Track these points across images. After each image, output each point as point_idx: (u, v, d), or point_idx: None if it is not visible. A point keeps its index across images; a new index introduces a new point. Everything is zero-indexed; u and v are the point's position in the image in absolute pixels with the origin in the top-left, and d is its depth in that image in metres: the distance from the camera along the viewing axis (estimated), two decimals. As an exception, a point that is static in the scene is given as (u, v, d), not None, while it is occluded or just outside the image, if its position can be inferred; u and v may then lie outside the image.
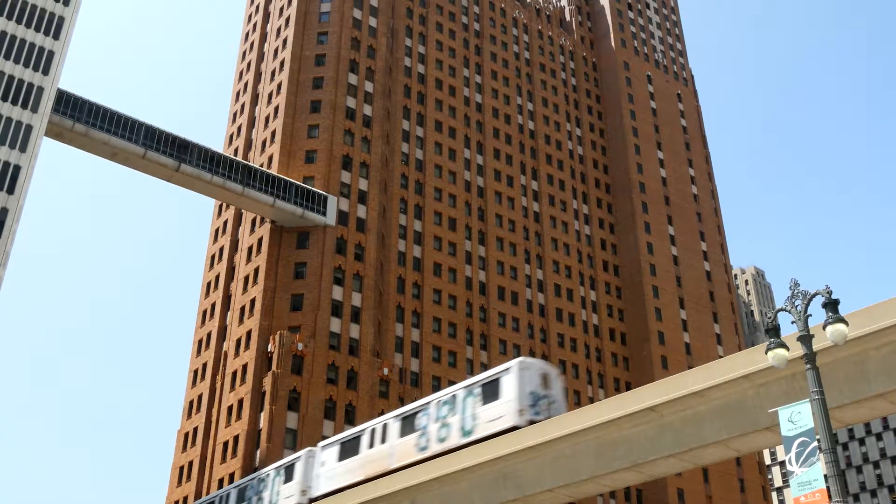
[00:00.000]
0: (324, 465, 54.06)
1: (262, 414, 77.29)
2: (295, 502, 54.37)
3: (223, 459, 79.39)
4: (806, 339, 20.58)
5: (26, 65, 76.37)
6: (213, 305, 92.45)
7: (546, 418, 42.74)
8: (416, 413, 49.14)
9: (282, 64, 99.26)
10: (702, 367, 34.95)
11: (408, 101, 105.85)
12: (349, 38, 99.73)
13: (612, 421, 36.62)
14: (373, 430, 51.80)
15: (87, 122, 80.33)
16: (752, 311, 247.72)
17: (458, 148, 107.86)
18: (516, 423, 42.87)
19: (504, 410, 43.67)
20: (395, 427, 50.18)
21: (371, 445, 51.36)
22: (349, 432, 54.39)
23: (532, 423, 42.35)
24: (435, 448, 46.78)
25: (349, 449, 53.00)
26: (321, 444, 56.30)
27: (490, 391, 44.92)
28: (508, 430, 43.06)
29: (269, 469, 58.71)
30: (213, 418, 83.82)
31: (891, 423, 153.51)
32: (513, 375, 44.01)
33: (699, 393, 33.81)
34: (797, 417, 20.11)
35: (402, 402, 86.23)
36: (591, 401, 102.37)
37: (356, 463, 51.55)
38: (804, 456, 19.62)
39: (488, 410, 44.44)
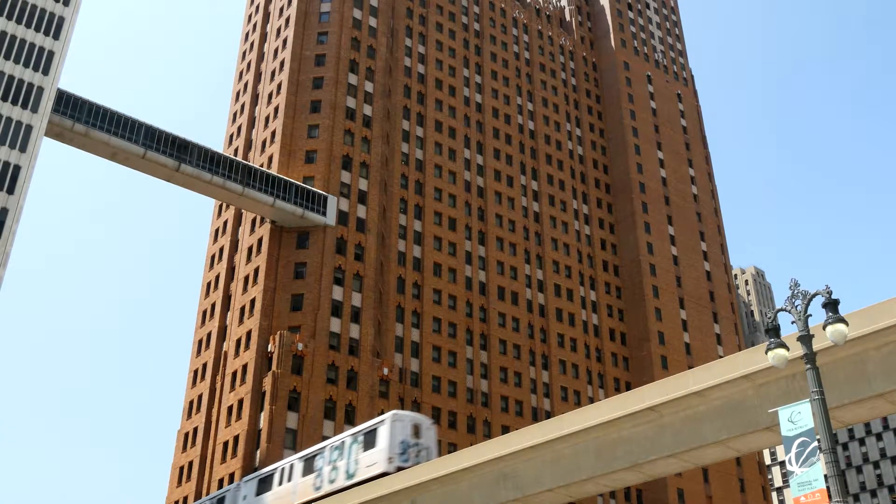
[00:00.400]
0: (245, 498, 60.14)
1: (262, 414, 77.28)
2: None
3: (223, 459, 79.40)
4: (806, 339, 20.57)
5: (26, 65, 76.37)
6: (213, 305, 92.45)
7: (415, 464, 48.05)
8: (315, 456, 55.54)
9: (282, 64, 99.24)
10: (702, 367, 34.94)
11: (408, 101, 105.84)
12: (349, 38, 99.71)
13: (612, 421, 36.62)
14: (282, 469, 58.02)
15: (87, 122, 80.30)
16: (752, 311, 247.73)
17: (458, 148, 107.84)
18: (385, 469, 48.75)
19: (377, 458, 49.82)
20: (299, 467, 56.56)
21: (280, 483, 57.56)
22: (267, 469, 60.73)
23: (400, 469, 47.97)
24: (327, 488, 52.68)
25: (264, 485, 59.21)
26: (245, 478, 62.58)
27: (369, 440, 51.24)
28: (380, 475, 48.54)
29: (205, 500, 65.02)
30: (213, 418, 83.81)
31: (891, 423, 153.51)
32: (386, 427, 50.31)
33: (699, 393, 33.82)
34: (797, 417, 20.11)
35: (402, 403, 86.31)
36: (591, 401, 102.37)
37: (269, 498, 57.61)
38: (804, 456, 19.61)
39: (367, 457, 50.67)
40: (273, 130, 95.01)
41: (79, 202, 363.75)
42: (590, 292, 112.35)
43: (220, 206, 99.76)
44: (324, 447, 55.30)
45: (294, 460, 57.60)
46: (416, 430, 50.75)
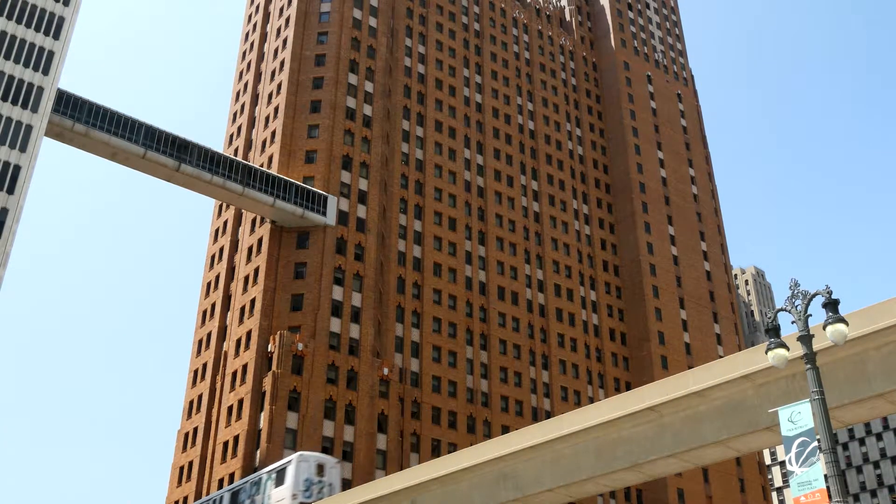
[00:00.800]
0: None
1: (262, 414, 77.28)
2: None
3: (223, 459, 79.40)
4: (806, 339, 20.55)
5: (26, 65, 76.37)
6: (213, 305, 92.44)
7: (319, 500, 54.80)
8: (240, 490, 62.54)
9: (282, 64, 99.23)
10: (702, 367, 34.95)
11: (408, 101, 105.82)
12: (349, 38, 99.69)
13: (612, 421, 36.64)
14: (213, 501, 65.35)
15: (87, 122, 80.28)
16: (752, 311, 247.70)
17: (458, 148, 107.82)
18: None
19: (284, 494, 56.69)
20: (227, 499, 63.73)
21: None
22: (200, 501, 68.38)
23: None
24: None
25: None
26: None
27: (279, 477, 57.95)
28: None
29: None
30: (213, 418, 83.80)
31: (891, 423, 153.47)
32: (292, 466, 57.25)
33: (699, 393, 33.83)
34: (797, 417, 20.10)
35: (402, 402, 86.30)
36: (591, 401, 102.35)
37: None
38: (804, 456, 19.61)
39: (277, 493, 57.52)
40: (273, 130, 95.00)
41: (79, 202, 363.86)
42: (590, 292, 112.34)
43: (220, 206, 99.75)
44: (247, 481, 62.01)
45: (224, 493, 64.95)
46: (320, 469, 57.53)
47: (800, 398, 28.44)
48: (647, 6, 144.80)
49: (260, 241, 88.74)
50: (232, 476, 76.57)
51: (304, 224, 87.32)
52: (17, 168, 72.42)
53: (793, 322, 21.19)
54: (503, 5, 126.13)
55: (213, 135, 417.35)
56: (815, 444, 19.68)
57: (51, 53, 78.03)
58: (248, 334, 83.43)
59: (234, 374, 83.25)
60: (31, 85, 75.82)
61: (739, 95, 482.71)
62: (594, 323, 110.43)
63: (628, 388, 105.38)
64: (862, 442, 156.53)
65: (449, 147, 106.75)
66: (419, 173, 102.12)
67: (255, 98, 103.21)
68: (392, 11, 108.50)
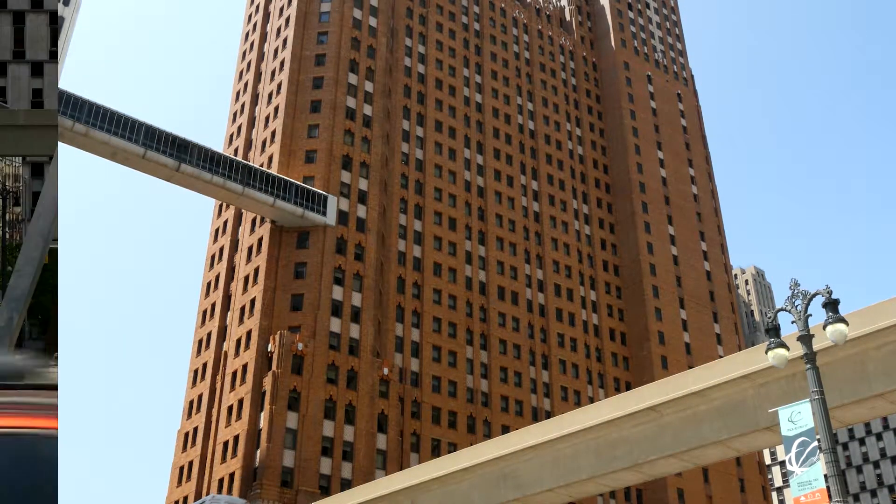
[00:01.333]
0: None
1: (262, 414, 77.29)
2: None
3: (223, 459, 79.41)
4: (806, 338, 20.54)
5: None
6: (213, 305, 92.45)
7: None
8: None
9: (282, 64, 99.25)
10: (702, 367, 34.99)
11: (408, 101, 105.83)
12: (349, 38, 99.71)
13: (612, 421, 36.65)
14: None
15: (87, 122, 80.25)
16: (752, 311, 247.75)
17: (458, 148, 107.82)
18: None
19: None
20: None
21: None
22: None
23: None
24: None
25: None
26: None
27: None
28: None
29: None
30: (213, 418, 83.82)
31: (891, 423, 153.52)
32: None
33: (699, 393, 33.85)
34: (797, 417, 20.09)
35: (402, 402, 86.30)
36: (591, 401, 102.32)
37: None
38: (804, 456, 19.60)
39: None
40: (273, 130, 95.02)
41: (78, 202, 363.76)
42: (590, 292, 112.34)
43: (220, 206, 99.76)
44: None
45: None
46: None
47: (800, 398, 28.42)
48: (647, 6, 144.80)
49: (260, 240, 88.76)
50: (232, 476, 76.60)
51: (304, 224, 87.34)
52: (17, 168, 72.40)
53: (793, 322, 21.16)
54: (503, 5, 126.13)
55: (213, 135, 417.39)
56: (815, 444, 19.67)
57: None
58: (248, 334, 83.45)
59: (234, 374, 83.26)
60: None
61: (739, 95, 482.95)
62: (594, 323, 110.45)
63: (628, 388, 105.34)
64: (862, 442, 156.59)
65: (449, 147, 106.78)
66: (419, 173, 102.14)
67: (255, 98, 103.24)
68: (392, 11, 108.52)
